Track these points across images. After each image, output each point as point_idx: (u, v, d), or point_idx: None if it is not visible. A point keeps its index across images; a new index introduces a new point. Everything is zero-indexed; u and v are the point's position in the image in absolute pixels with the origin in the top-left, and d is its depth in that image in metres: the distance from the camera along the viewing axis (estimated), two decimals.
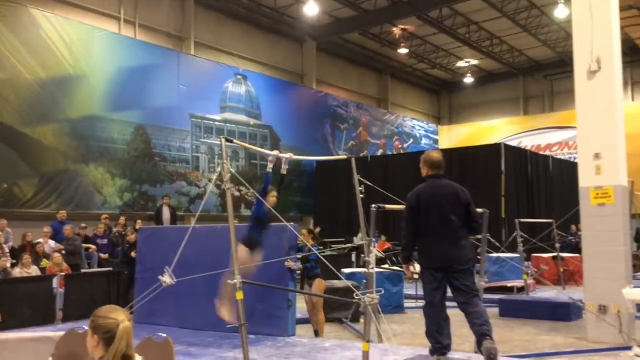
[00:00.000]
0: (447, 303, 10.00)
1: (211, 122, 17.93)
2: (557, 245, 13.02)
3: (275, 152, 6.99)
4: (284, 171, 7.19)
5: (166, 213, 14.39)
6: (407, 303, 10.91)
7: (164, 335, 3.71)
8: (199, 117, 17.54)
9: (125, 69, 15.33)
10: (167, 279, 5.02)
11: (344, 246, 13.31)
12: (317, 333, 7.87)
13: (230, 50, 19.50)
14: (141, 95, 15.71)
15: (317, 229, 18.33)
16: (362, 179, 7.23)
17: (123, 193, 15.18)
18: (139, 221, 14.17)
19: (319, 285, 7.94)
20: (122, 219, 13.65)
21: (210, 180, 16.50)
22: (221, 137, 5.74)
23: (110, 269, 11.11)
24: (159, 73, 16.27)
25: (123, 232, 13.21)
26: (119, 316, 2.39)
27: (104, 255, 12.23)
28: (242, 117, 19.06)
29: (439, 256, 5.06)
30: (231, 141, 6.04)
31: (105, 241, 12.51)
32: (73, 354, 3.57)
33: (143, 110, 15.78)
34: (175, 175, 16.64)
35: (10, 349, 4.61)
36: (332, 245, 15.73)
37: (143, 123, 15.79)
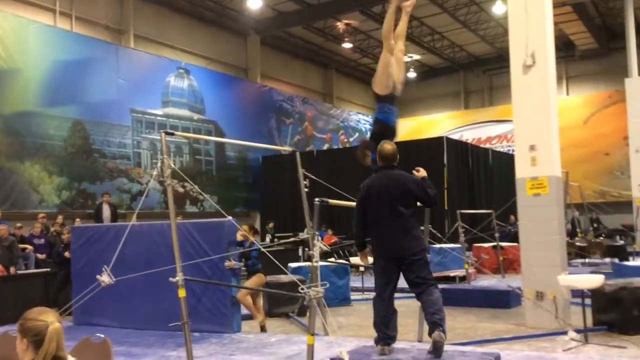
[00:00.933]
0: (402, 294, 10.12)
1: (153, 117, 17.53)
2: (497, 235, 13.43)
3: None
4: None
5: (106, 211, 14.01)
6: (354, 295, 11.00)
7: (102, 336, 3.61)
8: (140, 112, 17.12)
9: (61, 63, 14.79)
10: (105, 278, 4.89)
11: (287, 240, 13.30)
12: (263, 329, 7.85)
13: (172, 44, 19.12)
14: (79, 90, 15.20)
15: (271, 225, 18.24)
16: (307, 173, 7.23)
17: (61, 191, 14.67)
18: (77, 220, 13.74)
19: (257, 280, 7.92)
20: (60, 218, 13.21)
21: (152, 176, 16.15)
22: (161, 131, 5.62)
23: (48, 269, 10.73)
24: (97, 67, 15.78)
25: (61, 232, 12.78)
26: (48, 318, 2.32)
27: (41, 256, 11.79)
28: (185, 112, 18.73)
29: (390, 247, 5.02)
30: (172, 134, 5.91)
31: (42, 241, 12.06)
32: (7, 357, 3.42)
33: (81, 106, 15.27)
34: (116, 172, 16.21)
35: None
36: (277, 239, 15.72)
37: (81, 118, 15.28)
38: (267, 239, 17.16)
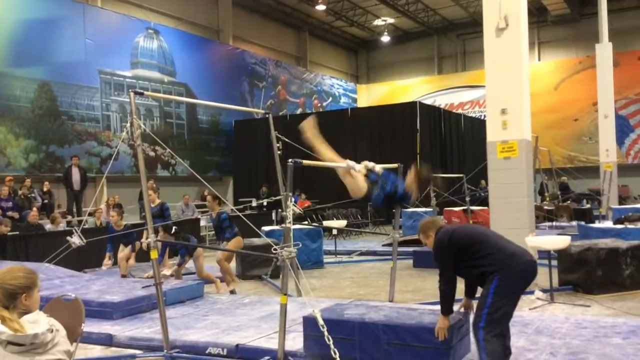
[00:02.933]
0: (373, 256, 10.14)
1: (122, 79, 17.14)
2: (468, 198, 13.62)
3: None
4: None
5: (76, 174, 13.77)
6: (327, 258, 11.12)
7: (73, 295, 3.59)
8: (109, 74, 16.72)
9: (26, 22, 14.28)
10: (75, 239, 4.84)
11: (258, 203, 13.30)
12: (233, 292, 7.90)
13: (141, 3, 18.60)
14: (45, 50, 14.73)
15: (264, 188, 17.94)
16: (280, 136, 7.19)
17: (28, 154, 14.35)
18: (46, 183, 13.51)
19: (236, 242, 7.94)
20: (28, 182, 12.94)
21: (122, 140, 15.88)
22: (130, 90, 5.48)
23: (17, 232, 10.56)
24: (63, 26, 15.28)
25: (29, 195, 12.55)
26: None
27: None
28: (155, 74, 18.35)
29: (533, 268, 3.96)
30: (142, 94, 5.78)
31: (10, 204, 11.84)
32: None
33: (47, 66, 14.83)
34: (85, 135, 15.89)
35: None
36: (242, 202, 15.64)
37: (48, 80, 14.86)
38: (264, 203, 16.74)
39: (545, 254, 7.41)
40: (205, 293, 7.74)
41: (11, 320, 2.27)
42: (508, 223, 7.96)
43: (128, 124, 5.34)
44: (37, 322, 2.33)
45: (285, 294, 4.69)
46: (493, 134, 8.19)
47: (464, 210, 14.13)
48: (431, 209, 12.43)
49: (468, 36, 27.88)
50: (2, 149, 13.75)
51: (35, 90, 14.54)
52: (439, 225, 4.32)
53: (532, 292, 7.21)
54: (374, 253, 11.81)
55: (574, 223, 14.28)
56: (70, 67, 15.43)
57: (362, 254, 11.54)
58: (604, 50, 18.09)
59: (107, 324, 5.93)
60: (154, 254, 5.12)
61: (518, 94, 8.09)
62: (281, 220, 7.41)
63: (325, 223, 13.64)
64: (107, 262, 8.83)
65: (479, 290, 4.06)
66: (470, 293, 4.40)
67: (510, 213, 7.92)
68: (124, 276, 8.98)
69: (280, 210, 8.56)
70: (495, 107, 8.23)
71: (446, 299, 4.16)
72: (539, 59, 26.66)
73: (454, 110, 25.28)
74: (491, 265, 3.89)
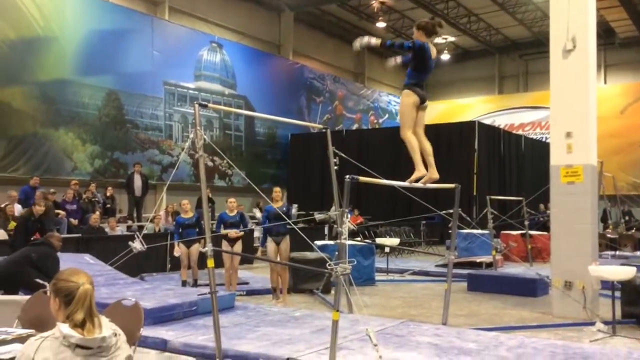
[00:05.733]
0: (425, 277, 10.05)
1: (185, 90, 17.64)
2: (526, 222, 13.24)
3: None
4: None
5: (138, 181, 14.20)
6: (378, 276, 11.03)
7: (134, 299, 3.68)
8: (173, 85, 17.24)
9: (97, 32, 14.92)
10: (137, 245, 4.97)
11: (315, 217, 13.36)
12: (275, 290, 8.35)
13: (206, 17, 19.12)
14: (114, 60, 15.34)
15: (295, 206, 17.97)
16: (337, 151, 7.20)
17: (94, 159, 14.91)
18: (109, 188, 13.99)
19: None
20: (92, 186, 13.43)
21: (183, 149, 16.30)
22: (195, 102, 5.62)
23: (80, 235, 10.95)
24: (132, 38, 15.89)
25: (93, 199, 13.01)
26: (80, 279, 2.36)
27: (73, 221, 12.03)
28: (216, 87, 18.79)
29: None
30: (205, 106, 5.92)
31: (74, 207, 12.30)
32: (39, 316, 3.51)
33: (115, 76, 15.42)
34: (148, 143, 16.39)
35: None
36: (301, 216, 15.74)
37: (115, 89, 15.45)
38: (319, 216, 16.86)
39: (608, 284, 7.12)
40: (257, 304, 7.82)
41: (100, 326, 2.31)
42: (570, 250, 7.67)
43: (191, 135, 5.47)
44: (101, 326, 2.38)
45: (338, 310, 4.67)
46: (557, 158, 7.94)
47: (522, 234, 13.75)
48: (488, 232, 12.15)
49: (531, 56, 27.29)
50: (69, 154, 14.33)
51: (103, 98, 15.14)
52: None
53: (593, 324, 6.93)
54: (427, 273, 11.64)
55: (638, 253, 13.67)
56: (137, 78, 16.00)
57: (414, 273, 11.38)
58: None
59: (163, 328, 6.05)
60: (210, 263, 5.19)
61: (584, 118, 7.83)
62: (336, 236, 7.40)
63: (378, 240, 13.55)
64: (178, 249, 9.16)
65: None
66: None
67: (573, 240, 7.64)
68: (184, 283, 9.25)
69: (334, 225, 8.56)
70: (559, 130, 7.98)
71: None
72: (605, 82, 25.80)
73: (514, 131, 24.75)
74: None
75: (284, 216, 7.31)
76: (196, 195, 14.06)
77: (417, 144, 5.39)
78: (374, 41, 5.49)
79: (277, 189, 8.69)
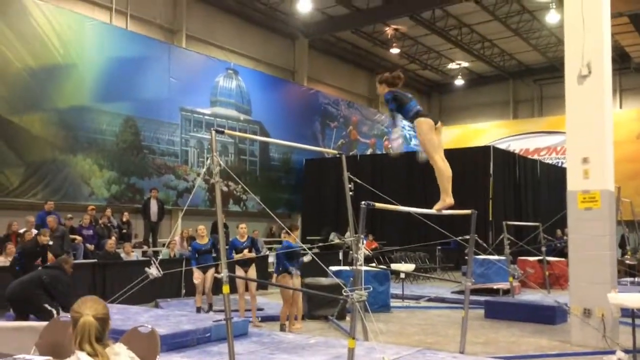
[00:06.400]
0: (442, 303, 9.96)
1: (201, 116, 17.84)
2: (544, 249, 13.09)
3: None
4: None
5: (154, 206, 14.29)
6: (394, 303, 10.93)
7: (150, 326, 3.67)
8: (189, 111, 17.44)
9: (115, 60, 15.20)
10: (153, 271, 4.99)
11: (330, 243, 13.32)
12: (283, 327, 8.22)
13: (222, 45, 19.41)
14: (131, 87, 15.59)
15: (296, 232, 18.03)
16: (352, 177, 7.21)
17: (111, 185, 15.06)
18: (126, 213, 14.09)
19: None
20: (108, 211, 13.54)
21: (198, 174, 16.42)
22: (211, 128, 5.68)
23: (96, 260, 11.01)
24: (150, 65, 16.15)
25: (109, 224, 13.11)
26: (84, 310, 2.40)
27: (89, 247, 12.12)
28: (232, 112, 18.98)
29: None
30: (222, 132, 5.99)
31: (90, 232, 12.40)
32: (57, 343, 3.52)
33: (133, 102, 15.65)
34: (164, 169, 16.54)
35: None
36: (314, 241, 15.71)
37: (132, 115, 15.67)
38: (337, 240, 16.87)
39: (628, 311, 6.98)
40: (271, 330, 7.78)
41: (102, 356, 2.33)
42: (588, 277, 7.57)
43: (208, 161, 5.52)
44: (119, 355, 2.38)
45: (354, 338, 4.63)
46: (574, 183, 7.88)
47: (539, 260, 13.59)
48: (504, 258, 12.02)
49: (546, 81, 27.28)
50: (87, 179, 14.50)
51: (120, 124, 15.35)
52: None
53: (613, 352, 6.79)
54: (443, 300, 11.52)
55: None
56: (154, 104, 16.22)
57: (430, 300, 11.27)
58: None
59: (178, 355, 6.03)
60: (225, 289, 5.19)
61: (601, 143, 7.79)
62: (351, 262, 7.38)
63: (393, 266, 13.45)
64: (197, 275, 9.19)
65: None
66: None
67: (591, 267, 7.53)
68: (199, 309, 9.25)
69: (349, 250, 8.56)
70: (576, 155, 7.94)
71: None
72: (621, 107, 25.67)
73: (529, 156, 24.63)
74: None
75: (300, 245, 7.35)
76: (211, 220, 14.11)
77: (448, 170, 5.38)
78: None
79: (242, 225, 9.07)
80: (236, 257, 8.87)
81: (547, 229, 13.40)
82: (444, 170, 5.35)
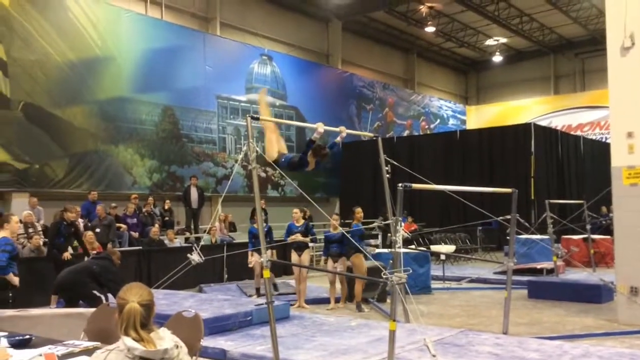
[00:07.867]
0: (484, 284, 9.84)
1: (237, 103, 17.97)
2: (588, 226, 12.79)
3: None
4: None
5: (194, 194, 14.52)
6: (434, 284, 10.88)
7: (193, 311, 3.76)
8: (225, 99, 17.59)
9: (152, 51, 15.41)
10: (195, 257, 5.09)
11: (369, 226, 13.30)
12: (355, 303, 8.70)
13: (256, 31, 19.44)
14: (168, 77, 15.80)
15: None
16: (388, 159, 7.18)
17: (152, 174, 15.36)
18: (167, 201, 14.36)
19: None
20: (151, 199, 13.82)
21: (236, 161, 16.58)
22: (247, 115, 5.73)
23: (141, 247, 11.29)
24: (185, 54, 16.33)
25: (152, 212, 13.39)
26: (130, 297, 2.44)
27: (134, 234, 12.43)
28: (267, 98, 19.03)
29: None
30: (258, 119, 6.03)
31: (135, 221, 12.69)
32: (104, 329, 3.64)
33: (170, 92, 15.87)
34: (203, 156, 16.77)
35: (45, 323, 4.74)
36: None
37: (171, 104, 15.89)
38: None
39: None
40: (313, 313, 7.85)
41: (147, 341, 2.38)
42: (634, 254, 7.38)
43: (245, 147, 5.57)
44: (163, 339, 2.44)
45: (394, 320, 4.64)
46: (618, 159, 7.66)
47: (584, 238, 13.29)
48: (547, 236, 11.80)
49: (587, 55, 26.47)
50: (129, 169, 14.82)
51: (159, 114, 15.60)
52: None
53: None
54: (485, 281, 11.40)
55: None
56: (191, 93, 16.42)
57: (471, 281, 11.16)
58: None
59: (222, 339, 6.15)
60: (266, 274, 5.26)
61: None
62: (390, 244, 7.37)
63: (433, 247, 13.37)
64: (251, 258, 9.38)
65: None
66: None
67: (637, 244, 7.34)
68: (257, 290, 9.45)
69: (388, 233, 8.57)
70: (620, 130, 7.71)
71: None
72: None
73: (572, 132, 24.01)
74: None
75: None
76: (249, 205, 14.26)
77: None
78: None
79: (295, 210, 9.30)
80: (290, 239, 9.08)
81: (591, 206, 13.07)
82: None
